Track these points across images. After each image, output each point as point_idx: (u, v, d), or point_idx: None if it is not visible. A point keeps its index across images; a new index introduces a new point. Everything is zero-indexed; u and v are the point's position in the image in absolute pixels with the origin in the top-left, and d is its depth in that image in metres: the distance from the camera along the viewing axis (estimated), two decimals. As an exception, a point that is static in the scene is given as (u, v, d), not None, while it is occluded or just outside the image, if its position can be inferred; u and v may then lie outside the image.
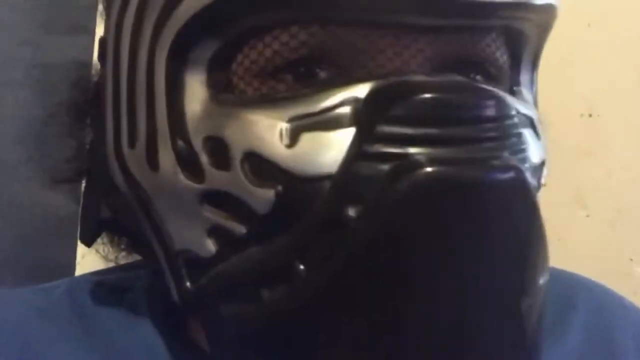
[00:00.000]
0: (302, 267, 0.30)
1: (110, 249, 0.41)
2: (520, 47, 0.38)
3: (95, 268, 0.48)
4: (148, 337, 0.39)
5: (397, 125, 0.29)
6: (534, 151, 0.34)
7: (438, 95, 0.30)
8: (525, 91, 0.38)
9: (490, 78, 0.35)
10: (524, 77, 0.38)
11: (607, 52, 0.69)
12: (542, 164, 0.35)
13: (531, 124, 0.35)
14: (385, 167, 0.29)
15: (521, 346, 0.32)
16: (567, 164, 0.72)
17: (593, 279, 0.51)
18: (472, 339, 0.31)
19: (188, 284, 0.34)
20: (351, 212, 0.29)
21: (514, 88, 0.38)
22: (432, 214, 0.29)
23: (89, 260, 0.66)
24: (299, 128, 0.31)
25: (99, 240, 0.42)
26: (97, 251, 0.43)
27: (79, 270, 0.69)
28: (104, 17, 0.42)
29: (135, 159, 0.35)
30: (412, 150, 0.29)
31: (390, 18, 0.32)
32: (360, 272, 0.29)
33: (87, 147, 0.40)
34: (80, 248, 0.68)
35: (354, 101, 0.31)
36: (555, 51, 0.69)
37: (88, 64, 0.45)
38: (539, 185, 0.35)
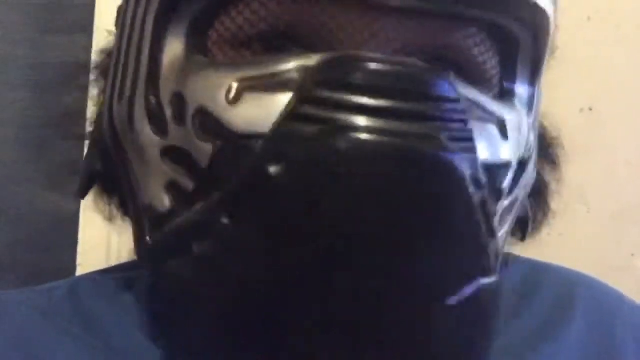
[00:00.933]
0: (226, 220, 0.31)
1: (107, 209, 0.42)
2: (514, 54, 0.37)
3: (96, 268, 0.48)
4: (148, 337, 0.39)
5: (330, 91, 0.30)
6: (491, 148, 0.33)
7: (378, 66, 0.30)
8: (519, 105, 0.37)
9: (463, 74, 0.34)
10: (521, 91, 0.37)
11: (607, 46, 0.69)
12: (506, 164, 0.34)
13: (499, 123, 0.34)
14: (312, 129, 0.29)
15: (447, 342, 0.32)
16: (567, 159, 0.71)
17: (594, 274, 0.51)
18: (375, 319, 0.31)
19: (148, 238, 0.34)
20: (274, 170, 0.30)
21: (509, 98, 0.36)
22: (346, 180, 0.29)
23: (89, 259, 0.67)
24: (244, 88, 0.31)
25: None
26: (95, 207, 0.43)
27: (80, 271, 0.69)
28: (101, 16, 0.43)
29: (119, 114, 0.36)
30: (340, 116, 0.29)
31: None
32: (273, 227, 0.30)
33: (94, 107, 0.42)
34: (81, 247, 0.68)
35: (303, 69, 0.31)
36: (553, 46, 0.69)
37: (86, 63, 0.45)
38: (499, 189, 0.34)
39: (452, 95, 0.31)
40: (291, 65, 0.31)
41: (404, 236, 0.30)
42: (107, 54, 0.41)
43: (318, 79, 0.30)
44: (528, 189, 0.38)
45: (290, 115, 0.30)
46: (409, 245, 0.30)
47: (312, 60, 0.31)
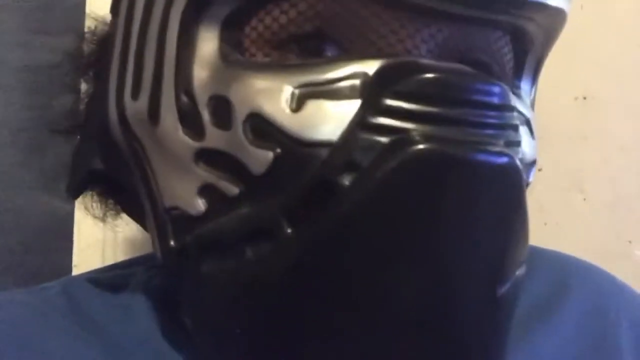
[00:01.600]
0: (289, 227, 0.30)
1: (99, 207, 0.42)
2: (525, 52, 0.38)
3: (92, 269, 0.48)
4: (144, 333, 0.39)
5: (400, 100, 0.30)
6: (527, 149, 0.35)
7: (444, 76, 0.30)
8: (524, 96, 0.39)
9: (494, 76, 0.36)
10: (525, 84, 0.39)
11: (600, 34, 0.69)
12: (533, 162, 0.36)
13: (527, 123, 0.36)
14: (384, 139, 0.29)
15: (492, 333, 0.33)
16: (563, 148, 0.71)
17: (592, 262, 0.51)
18: (444, 315, 0.31)
19: (172, 242, 0.33)
20: (345, 179, 0.29)
21: (515, 90, 0.38)
22: (421, 190, 0.29)
23: (85, 259, 0.66)
24: (305, 94, 0.31)
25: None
26: (86, 208, 0.42)
27: (76, 272, 0.69)
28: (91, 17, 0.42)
29: (136, 111, 0.34)
30: (412, 126, 0.29)
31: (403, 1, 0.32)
32: (345, 238, 0.30)
33: (85, 99, 0.40)
34: (77, 248, 0.68)
35: (363, 75, 0.31)
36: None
37: (78, 64, 0.45)
38: (528, 183, 0.35)
39: (508, 103, 0.32)
40: (349, 71, 0.31)
41: (476, 239, 0.31)
42: (95, 42, 0.40)
43: (384, 88, 0.30)
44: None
45: (360, 124, 0.30)
46: (473, 247, 0.31)
47: (370, 66, 0.31)
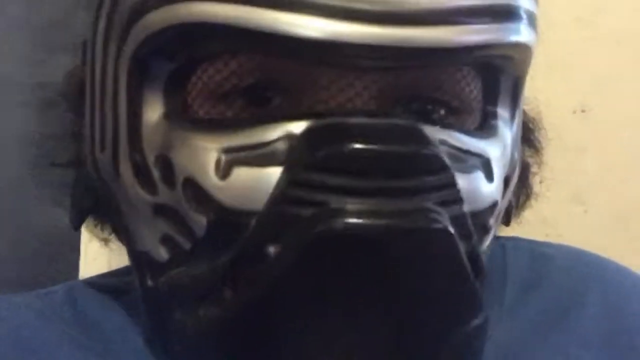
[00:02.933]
0: (229, 291, 0.32)
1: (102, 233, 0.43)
2: (495, 78, 0.37)
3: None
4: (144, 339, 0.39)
5: (321, 172, 0.30)
6: (479, 196, 0.34)
7: (367, 146, 0.30)
8: (502, 125, 0.37)
9: (452, 111, 0.35)
10: (503, 111, 0.37)
11: (596, 46, 0.69)
12: (493, 205, 0.35)
13: (485, 165, 0.34)
14: (306, 212, 0.30)
15: None
16: (563, 161, 0.72)
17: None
18: None
19: (149, 282, 0.35)
20: (270, 250, 0.31)
21: (490, 121, 0.37)
22: (341, 263, 0.30)
23: (91, 270, 0.67)
24: (233, 161, 0.32)
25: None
26: (91, 232, 0.44)
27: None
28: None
29: (103, 162, 0.36)
30: (333, 199, 0.30)
31: (335, 60, 0.32)
32: (273, 303, 0.31)
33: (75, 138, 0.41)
34: (83, 259, 0.70)
35: (289, 137, 0.31)
36: (544, 47, 0.69)
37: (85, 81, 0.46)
38: (486, 226, 0.35)
39: (442, 164, 0.32)
40: (277, 134, 0.32)
41: (401, 311, 0.31)
42: (77, 85, 0.40)
43: (306, 158, 0.31)
44: (512, 188, 0.39)
45: (282, 196, 0.31)
46: (404, 319, 0.32)
47: (297, 127, 0.31)
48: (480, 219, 0.34)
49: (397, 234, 0.30)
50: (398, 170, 0.30)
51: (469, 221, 0.33)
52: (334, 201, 0.30)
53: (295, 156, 0.31)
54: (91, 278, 0.46)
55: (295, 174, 0.31)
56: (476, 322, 0.33)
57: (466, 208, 0.32)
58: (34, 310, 0.41)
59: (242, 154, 0.32)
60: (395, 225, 0.30)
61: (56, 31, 0.75)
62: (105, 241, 0.45)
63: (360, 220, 0.30)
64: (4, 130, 0.74)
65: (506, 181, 0.37)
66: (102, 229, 0.43)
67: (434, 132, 0.32)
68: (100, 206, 0.39)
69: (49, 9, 0.78)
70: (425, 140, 0.31)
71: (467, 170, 0.33)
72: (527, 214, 0.67)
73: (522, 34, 0.34)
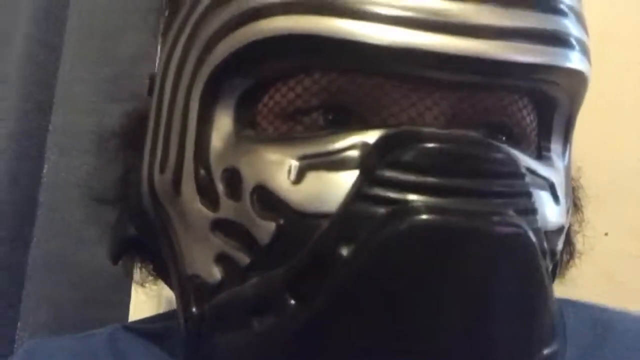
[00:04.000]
0: (292, 299, 0.30)
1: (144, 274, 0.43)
2: (551, 113, 0.37)
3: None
4: None
5: (398, 171, 0.30)
6: (548, 215, 0.33)
7: (443, 145, 0.30)
8: (555, 158, 0.37)
9: (513, 139, 0.35)
10: (555, 146, 0.38)
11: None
12: (561, 229, 0.34)
13: (551, 187, 0.35)
14: (381, 210, 0.29)
15: None
16: (629, 211, 0.68)
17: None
18: None
19: (194, 308, 0.35)
20: (343, 250, 0.30)
21: (544, 153, 0.37)
22: (419, 261, 0.29)
23: (141, 314, 0.68)
24: (306, 166, 0.32)
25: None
26: (127, 273, 0.44)
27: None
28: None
29: (163, 183, 0.37)
30: (410, 197, 0.29)
31: (407, 69, 0.32)
32: (343, 310, 0.30)
33: (128, 172, 0.43)
34: (133, 303, 0.70)
35: (363, 146, 0.31)
36: (607, 94, 0.68)
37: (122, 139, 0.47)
38: (555, 252, 0.34)
39: (517, 170, 0.31)
40: (350, 142, 0.32)
41: (475, 313, 0.30)
42: (136, 119, 0.43)
43: (382, 158, 0.31)
44: (565, 233, 0.38)
45: (357, 195, 0.30)
46: (480, 322, 0.30)
47: (371, 136, 0.32)
48: (550, 241, 0.33)
49: (473, 235, 0.29)
50: (474, 171, 0.30)
51: (544, 239, 0.32)
52: (411, 199, 0.29)
53: (369, 160, 0.31)
54: (133, 322, 0.47)
55: (370, 174, 0.30)
56: (549, 350, 0.32)
57: (540, 223, 0.32)
58: (71, 353, 0.42)
59: (316, 160, 0.32)
60: (472, 226, 0.29)
61: (115, 83, 0.78)
62: (141, 285, 0.45)
63: (437, 217, 0.29)
64: (66, 176, 0.77)
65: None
66: (141, 267, 0.43)
67: (505, 148, 0.32)
68: (144, 234, 0.39)
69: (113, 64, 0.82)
70: (498, 149, 0.31)
71: (536, 187, 0.33)
72: (593, 269, 0.64)
73: (574, 61, 0.34)
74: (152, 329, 0.44)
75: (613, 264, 0.69)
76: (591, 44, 0.37)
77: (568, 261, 0.45)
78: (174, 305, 0.62)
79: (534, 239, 0.30)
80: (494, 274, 0.29)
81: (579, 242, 0.46)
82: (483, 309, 0.30)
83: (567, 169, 0.38)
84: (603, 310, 0.47)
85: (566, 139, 0.38)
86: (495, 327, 0.30)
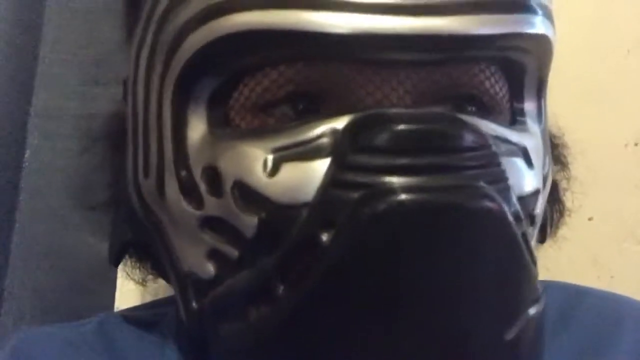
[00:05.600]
0: (281, 287, 0.31)
1: (139, 272, 0.44)
2: (520, 78, 0.38)
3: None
4: None
5: (369, 154, 0.31)
6: (522, 180, 0.34)
7: (409, 126, 0.31)
8: (530, 121, 0.38)
9: (485, 108, 0.36)
10: (529, 107, 0.38)
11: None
12: (536, 192, 0.35)
13: (524, 153, 0.35)
14: (356, 194, 0.30)
15: None
16: (615, 197, 0.69)
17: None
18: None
19: (194, 304, 0.36)
20: (324, 236, 0.30)
21: (518, 118, 0.38)
22: (398, 240, 0.30)
23: (127, 302, 0.67)
24: (280, 159, 0.32)
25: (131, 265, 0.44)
26: (129, 276, 0.45)
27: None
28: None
29: (148, 187, 0.38)
30: (383, 179, 0.30)
31: (369, 54, 0.33)
32: (330, 292, 0.31)
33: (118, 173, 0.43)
34: (119, 291, 0.70)
35: (333, 133, 0.32)
36: (594, 80, 0.68)
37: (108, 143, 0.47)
38: (533, 215, 0.35)
39: (485, 142, 0.32)
40: (320, 131, 0.33)
41: (458, 286, 0.31)
42: (120, 124, 0.42)
43: (352, 144, 0.31)
44: (546, 197, 0.39)
45: (332, 182, 0.31)
46: (464, 294, 0.31)
47: (340, 122, 0.32)
48: (526, 205, 0.34)
49: (449, 210, 0.30)
50: (442, 147, 0.31)
51: (517, 204, 0.33)
52: (384, 181, 0.30)
53: (340, 146, 0.31)
54: (123, 311, 0.48)
55: (342, 160, 0.31)
56: (534, 310, 0.32)
57: (513, 190, 0.32)
58: (63, 340, 0.42)
59: (289, 151, 0.32)
60: (447, 201, 0.30)
61: (99, 67, 0.77)
62: (141, 283, 0.46)
63: (412, 196, 0.29)
64: (49, 161, 0.76)
65: (544, 181, 0.37)
66: (140, 267, 0.44)
67: (472, 120, 0.33)
68: (141, 237, 0.39)
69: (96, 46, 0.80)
70: (464, 124, 0.32)
71: (507, 154, 0.34)
72: (577, 254, 0.64)
73: (537, 26, 0.35)
74: (143, 317, 0.45)
75: (597, 249, 0.70)
76: (581, 29, 0.37)
77: (559, 220, 0.45)
78: (160, 291, 0.62)
79: (505, 207, 0.31)
80: (470, 243, 0.30)
81: (562, 227, 0.47)
82: (465, 278, 0.31)
83: (544, 131, 0.39)
84: (579, 286, 0.49)
85: (539, 101, 0.39)
86: (477, 295, 0.31)
